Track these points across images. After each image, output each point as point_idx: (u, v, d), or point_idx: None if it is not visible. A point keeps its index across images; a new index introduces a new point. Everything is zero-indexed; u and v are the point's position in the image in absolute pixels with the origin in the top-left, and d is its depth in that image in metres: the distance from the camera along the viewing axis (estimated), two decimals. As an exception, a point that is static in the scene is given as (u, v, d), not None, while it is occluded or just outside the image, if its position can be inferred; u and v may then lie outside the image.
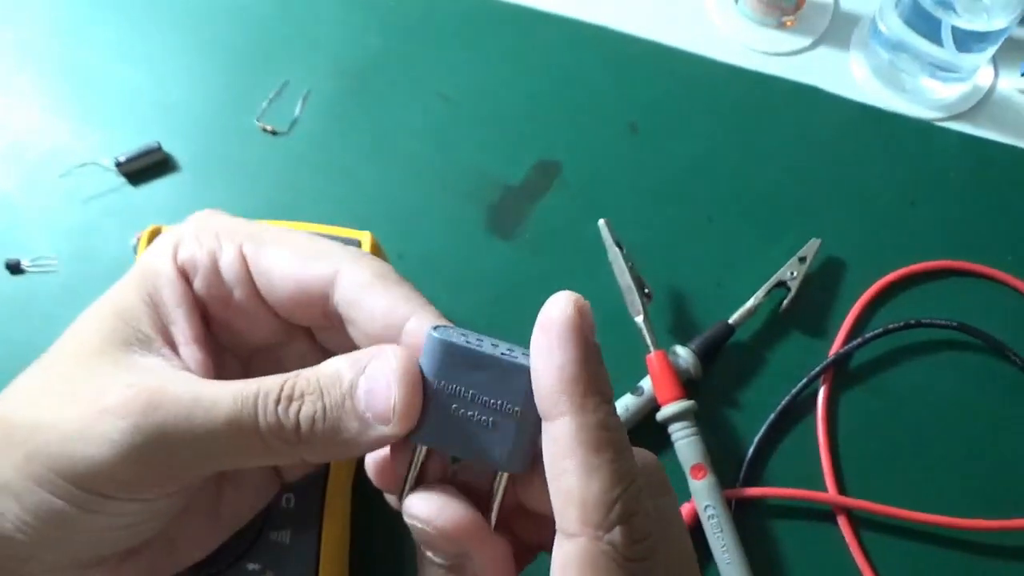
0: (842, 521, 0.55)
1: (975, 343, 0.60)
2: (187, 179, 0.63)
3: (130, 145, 0.62)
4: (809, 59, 0.71)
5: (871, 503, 0.55)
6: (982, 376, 0.59)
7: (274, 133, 0.64)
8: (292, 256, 0.34)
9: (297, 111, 0.65)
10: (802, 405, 0.58)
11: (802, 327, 0.60)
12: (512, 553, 0.31)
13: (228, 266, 0.34)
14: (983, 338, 0.59)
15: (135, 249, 0.56)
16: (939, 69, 0.67)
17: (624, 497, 0.27)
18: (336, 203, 0.62)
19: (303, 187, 0.63)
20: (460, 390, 0.29)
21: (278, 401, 0.29)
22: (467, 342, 0.29)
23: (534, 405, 0.29)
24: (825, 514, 0.55)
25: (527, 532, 0.33)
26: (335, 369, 0.30)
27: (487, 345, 0.30)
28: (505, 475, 0.31)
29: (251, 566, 0.46)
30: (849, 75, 0.70)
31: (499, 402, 0.29)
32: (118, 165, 0.62)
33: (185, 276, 0.34)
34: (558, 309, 0.27)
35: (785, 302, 0.59)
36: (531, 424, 0.29)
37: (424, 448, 0.31)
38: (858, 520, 0.55)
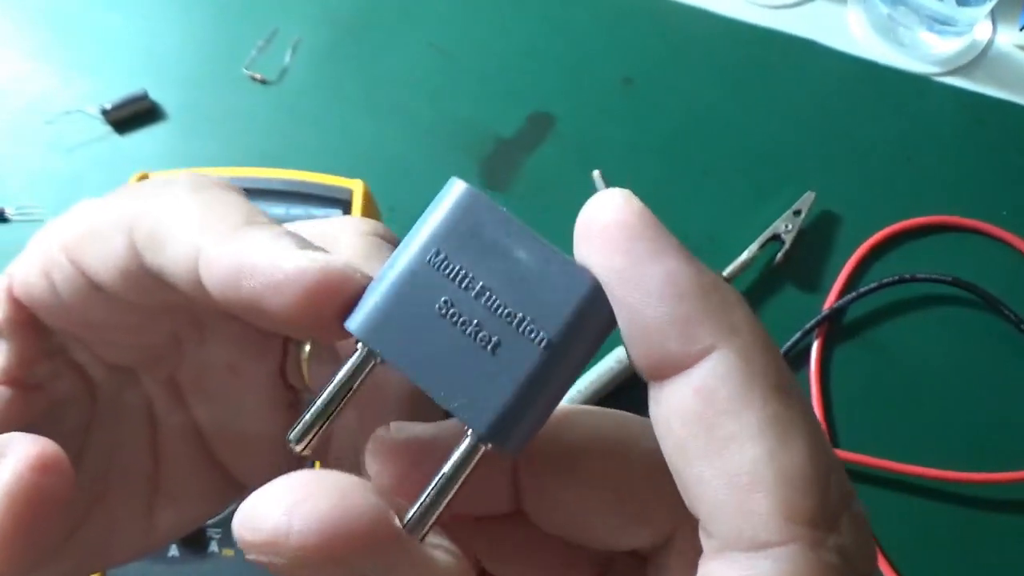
0: (834, 473, 0.55)
1: (969, 298, 0.60)
2: (174, 127, 0.62)
3: (116, 93, 0.61)
4: (806, 12, 0.70)
5: (864, 456, 0.55)
6: (976, 331, 0.59)
7: (263, 82, 0.63)
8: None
9: (287, 60, 0.64)
10: (796, 359, 0.58)
11: (796, 281, 0.60)
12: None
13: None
14: (977, 293, 0.59)
15: (122, 198, 0.55)
16: (937, 23, 0.66)
17: (837, 469, 0.17)
18: (326, 153, 0.61)
19: (293, 136, 0.62)
20: (463, 276, 0.18)
21: None
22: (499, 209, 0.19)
23: (578, 340, 0.18)
24: (817, 467, 0.55)
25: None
26: None
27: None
28: (477, 450, 0.18)
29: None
30: (846, 29, 0.70)
31: (520, 315, 0.18)
32: (104, 113, 0.61)
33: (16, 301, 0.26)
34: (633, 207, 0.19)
35: (779, 255, 0.59)
36: (560, 368, 0.18)
37: (356, 365, 0.19)
38: (850, 473, 0.55)
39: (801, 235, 0.60)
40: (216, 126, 0.62)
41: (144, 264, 0.23)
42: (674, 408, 0.17)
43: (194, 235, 0.21)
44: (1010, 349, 0.59)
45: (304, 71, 0.64)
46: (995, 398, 0.58)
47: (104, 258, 0.23)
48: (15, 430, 0.24)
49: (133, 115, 0.61)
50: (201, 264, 0.21)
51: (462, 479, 0.18)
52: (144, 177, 0.53)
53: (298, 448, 0.19)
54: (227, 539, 0.46)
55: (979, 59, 0.69)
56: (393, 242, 0.26)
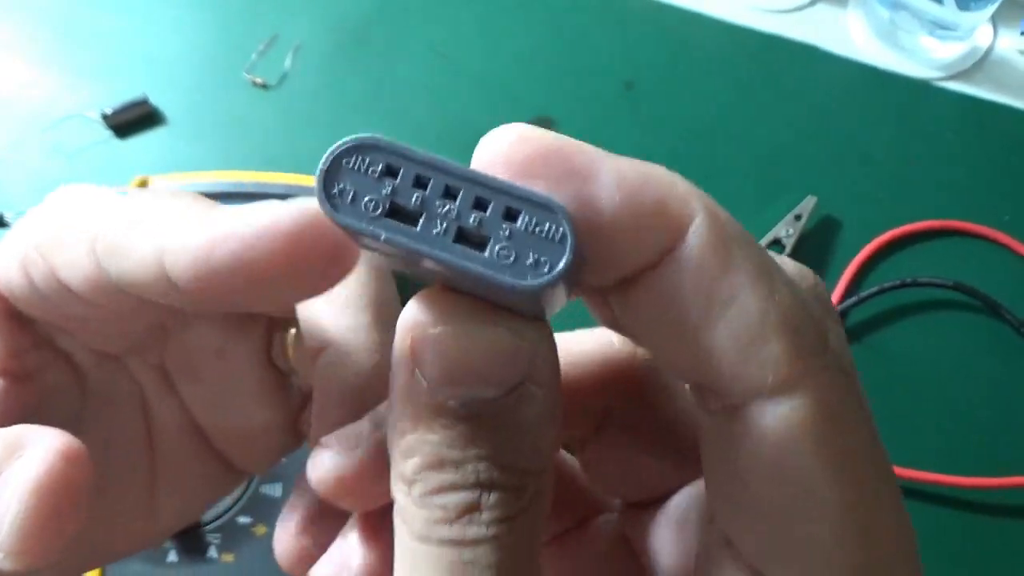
0: (836, 479, 0.55)
1: (971, 302, 0.60)
2: (175, 132, 0.62)
3: (117, 98, 0.61)
4: (807, 17, 0.70)
5: (865, 461, 0.54)
6: (978, 335, 0.59)
7: (264, 86, 0.63)
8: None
9: (287, 64, 0.64)
10: (797, 363, 0.58)
11: (797, 286, 0.60)
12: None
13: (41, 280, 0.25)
14: (979, 297, 0.59)
15: (122, 202, 0.55)
16: (938, 27, 0.66)
17: (810, 284, 0.19)
18: (327, 158, 0.61)
19: (294, 140, 0.62)
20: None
21: None
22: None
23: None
24: (819, 472, 0.55)
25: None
26: None
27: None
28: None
29: (242, 519, 0.46)
30: (847, 34, 0.69)
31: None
32: (105, 118, 0.61)
33: None
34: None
35: (781, 260, 0.59)
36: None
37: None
38: (852, 478, 0.55)
39: (802, 240, 0.60)
40: (216, 130, 0.62)
41: (109, 277, 0.23)
42: (667, 293, 0.18)
43: (156, 237, 0.21)
44: (1012, 353, 0.59)
45: (305, 75, 0.64)
46: (997, 403, 0.57)
47: (70, 267, 0.23)
48: (11, 422, 0.24)
49: (134, 120, 0.61)
50: (167, 259, 0.21)
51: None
52: (144, 182, 0.53)
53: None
54: (226, 544, 0.46)
55: (980, 64, 0.69)
56: None
